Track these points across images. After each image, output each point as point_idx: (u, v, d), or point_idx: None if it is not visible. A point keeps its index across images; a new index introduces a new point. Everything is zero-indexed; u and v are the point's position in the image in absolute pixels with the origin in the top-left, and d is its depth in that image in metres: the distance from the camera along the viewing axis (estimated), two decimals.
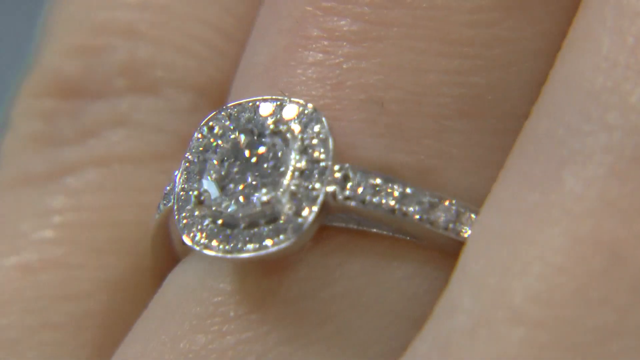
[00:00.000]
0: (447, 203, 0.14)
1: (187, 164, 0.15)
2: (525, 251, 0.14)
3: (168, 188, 0.16)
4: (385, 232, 0.14)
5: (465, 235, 0.14)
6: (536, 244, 0.14)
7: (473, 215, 0.15)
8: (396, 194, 0.14)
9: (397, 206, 0.14)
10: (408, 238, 0.15)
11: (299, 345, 0.14)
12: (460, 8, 0.14)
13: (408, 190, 0.14)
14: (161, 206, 0.16)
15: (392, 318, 0.15)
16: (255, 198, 0.14)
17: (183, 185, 0.15)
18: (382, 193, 0.14)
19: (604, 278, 0.13)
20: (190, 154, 0.15)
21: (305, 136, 0.14)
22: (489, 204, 0.14)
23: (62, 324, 0.17)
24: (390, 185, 0.14)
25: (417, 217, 0.14)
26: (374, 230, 0.15)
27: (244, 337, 0.15)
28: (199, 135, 0.15)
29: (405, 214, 0.14)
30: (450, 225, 0.14)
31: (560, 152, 0.14)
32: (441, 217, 0.14)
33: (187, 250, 0.15)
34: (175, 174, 0.16)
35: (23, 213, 0.17)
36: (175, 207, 0.15)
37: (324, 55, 0.15)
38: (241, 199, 0.14)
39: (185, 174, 0.15)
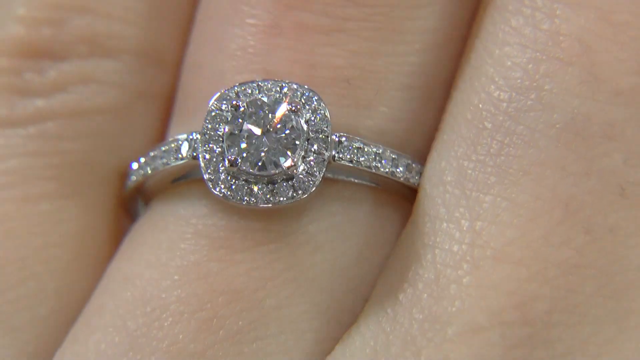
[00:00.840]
0: (403, 159, 0.16)
1: (207, 135, 0.16)
2: (490, 202, 0.16)
3: (140, 161, 0.17)
4: (352, 180, 0.16)
5: (416, 184, 0.17)
6: (499, 196, 0.16)
7: (419, 165, 0.17)
8: (372, 153, 0.16)
9: (372, 163, 0.16)
10: (370, 184, 0.17)
11: (296, 272, 0.16)
12: (400, 5, 0.17)
13: (375, 149, 0.16)
14: (133, 177, 0.17)
15: (364, 245, 0.17)
16: (275, 162, 0.15)
17: (206, 149, 0.16)
18: (363, 153, 0.16)
19: (563, 225, 0.16)
20: (210, 124, 0.16)
21: (306, 111, 0.15)
22: (436, 159, 0.17)
23: (61, 243, 0.18)
24: (368, 147, 0.16)
25: (385, 170, 0.16)
26: (343, 177, 0.16)
27: (252, 265, 0.16)
28: (216, 110, 0.16)
29: (377, 168, 0.16)
30: (407, 175, 0.17)
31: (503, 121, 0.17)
32: (399, 169, 0.16)
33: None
34: (151, 152, 0.17)
35: None
36: (202, 165, 0.16)
37: (296, 42, 0.16)
38: (260, 163, 0.15)
39: (206, 141, 0.16)
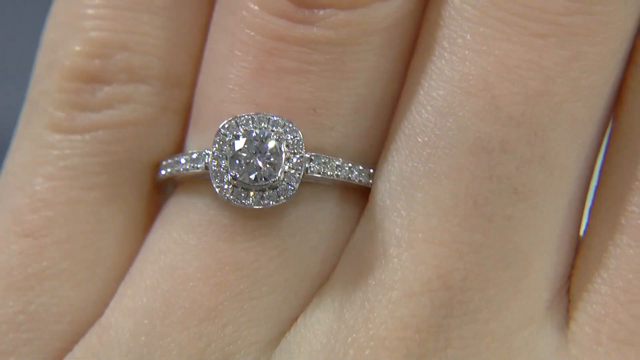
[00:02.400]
0: (357, 167, 0.20)
1: (215, 153, 0.19)
2: (420, 198, 0.19)
3: (168, 161, 0.20)
4: (321, 183, 0.20)
5: (368, 184, 0.20)
6: (427, 194, 0.19)
7: (368, 170, 0.20)
8: (334, 166, 0.19)
9: (335, 172, 0.19)
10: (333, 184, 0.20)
11: (281, 249, 0.19)
12: (347, 51, 0.19)
13: (337, 163, 0.19)
14: (162, 172, 0.20)
15: (331, 228, 0.20)
16: (264, 177, 0.19)
17: (215, 164, 0.19)
18: (328, 166, 0.19)
19: (472, 216, 0.19)
20: (217, 145, 0.19)
21: (288, 138, 0.19)
22: (383, 165, 0.20)
23: (111, 219, 0.20)
24: (330, 160, 0.19)
25: (343, 176, 0.19)
26: (313, 181, 0.20)
27: (250, 244, 0.19)
28: (222, 134, 0.19)
29: (338, 176, 0.19)
30: (360, 178, 0.20)
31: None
32: (354, 174, 0.19)
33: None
34: (176, 157, 0.20)
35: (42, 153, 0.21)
36: (211, 176, 0.19)
37: (276, 81, 0.19)
38: (254, 177, 0.19)
39: (216, 158, 0.19)
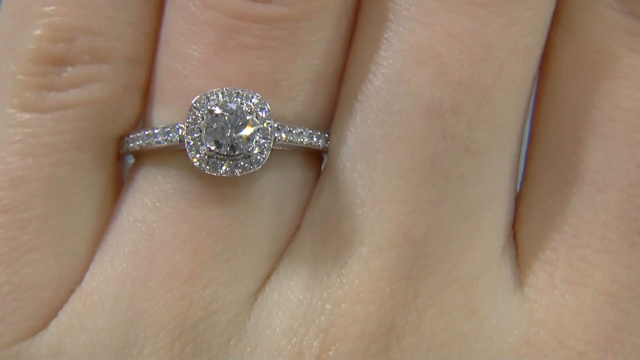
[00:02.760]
0: (317, 132, 0.20)
1: (190, 126, 0.20)
2: (380, 160, 0.20)
3: (135, 135, 0.21)
4: (280, 148, 0.20)
5: (326, 147, 0.21)
6: (386, 156, 0.20)
7: (325, 135, 0.20)
8: (296, 132, 0.20)
9: (298, 139, 0.20)
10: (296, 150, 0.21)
11: (251, 212, 0.20)
12: (302, 26, 0.20)
13: (300, 130, 0.20)
14: (130, 144, 0.21)
15: (295, 189, 0.21)
16: (238, 147, 0.19)
17: (190, 137, 0.19)
18: (292, 133, 0.20)
19: (430, 175, 0.20)
20: (191, 118, 0.20)
21: (258, 110, 0.19)
22: (339, 129, 0.21)
23: (84, 191, 0.21)
24: (294, 128, 0.20)
25: (305, 142, 0.20)
26: (279, 148, 0.20)
27: (223, 210, 0.20)
28: (195, 109, 0.20)
29: (301, 142, 0.20)
30: (320, 143, 0.20)
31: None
32: (314, 140, 0.20)
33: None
34: (146, 131, 0.20)
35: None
36: (187, 147, 0.20)
37: (239, 57, 0.20)
38: (229, 148, 0.19)
39: (190, 131, 0.19)
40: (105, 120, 0.21)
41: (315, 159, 0.21)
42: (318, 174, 0.21)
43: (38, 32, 0.20)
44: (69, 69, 0.20)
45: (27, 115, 0.20)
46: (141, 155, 0.21)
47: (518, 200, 0.21)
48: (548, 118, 0.21)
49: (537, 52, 0.20)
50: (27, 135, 0.20)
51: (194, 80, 0.20)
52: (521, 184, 0.21)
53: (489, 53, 0.19)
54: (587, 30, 0.20)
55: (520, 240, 0.21)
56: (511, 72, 0.20)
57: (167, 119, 0.21)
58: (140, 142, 0.20)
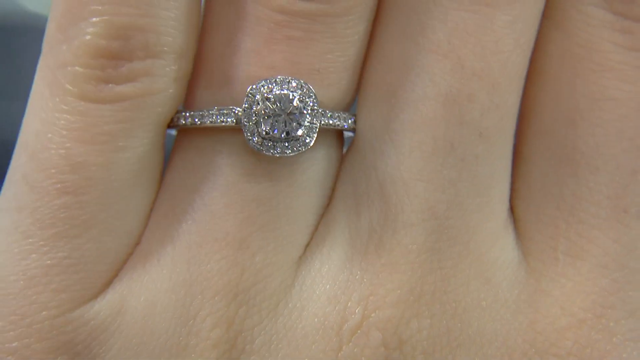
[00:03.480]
0: (349, 117, 0.21)
1: (246, 110, 0.20)
2: (406, 145, 0.21)
3: (190, 114, 0.21)
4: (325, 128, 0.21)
5: (352, 127, 0.21)
6: (410, 139, 0.21)
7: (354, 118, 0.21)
8: (334, 116, 0.21)
9: (335, 122, 0.21)
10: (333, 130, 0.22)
11: (294, 187, 0.21)
12: (339, 20, 0.21)
13: (337, 114, 0.21)
14: (182, 122, 0.21)
15: (329, 168, 0.22)
16: (290, 132, 0.20)
17: (247, 120, 0.20)
18: (332, 118, 0.21)
19: (449, 157, 0.20)
20: (247, 104, 0.20)
21: (306, 99, 0.20)
22: (366, 114, 0.21)
23: (145, 169, 0.22)
24: (333, 113, 0.21)
25: (340, 125, 0.21)
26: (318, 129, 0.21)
27: (269, 184, 0.21)
28: (251, 95, 0.20)
29: (337, 125, 0.21)
30: (352, 126, 0.21)
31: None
32: (349, 122, 0.21)
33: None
34: (200, 112, 0.21)
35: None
36: (245, 129, 0.20)
37: (286, 47, 0.21)
38: (282, 133, 0.20)
39: (247, 115, 0.20)
40: (157, 108, 0.21)
41: (340, 137, 0.22)
42: (342, 150, 0.22)
43: (95, 29, 0.21)
44: (126, 64, 0.21)
45: (86, 105, 0.21)
46: (190, 132, 0.22)
47: (513, 177, 0.22)
48: (538, 103, 0.22)
49: (532, 44, 0.21)
50: (86, 123, 0.21)
51: (244, 67, 0.21)
52: (513, 162, 0.22)
53: (497, 47, 0.20)
54: (574, 26, 0.21)
55: (518, 214, 0.22)
56: (515, 64, 0.21)
57: (215, 101, 0.21)
58: (193, 120, 0.21)
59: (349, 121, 0.22)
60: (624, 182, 0.21)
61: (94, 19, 0.20)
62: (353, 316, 0.20)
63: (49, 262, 0.20)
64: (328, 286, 0.21)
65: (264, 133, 0.21)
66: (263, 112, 0.21)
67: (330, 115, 0.21)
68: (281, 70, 0.21)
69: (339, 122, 0.21)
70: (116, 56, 0.21)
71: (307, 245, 0.21)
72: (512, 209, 0.22)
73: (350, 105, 0.22)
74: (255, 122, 0.21)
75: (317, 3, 0.21)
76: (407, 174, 0.21)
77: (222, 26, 0.21)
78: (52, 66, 0.21)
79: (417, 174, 0.21)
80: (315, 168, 0.22)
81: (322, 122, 0.21)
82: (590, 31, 0.21)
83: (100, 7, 0.21)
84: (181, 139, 0.22)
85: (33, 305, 0.20)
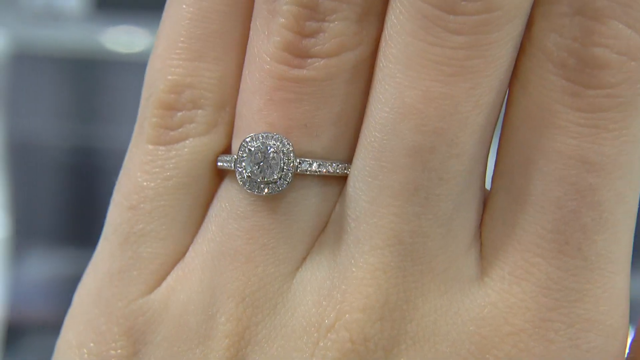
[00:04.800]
0: (333, 163, 0.24)
1: (239, 158, 0.24)
2: (376, 187, 0.24)
3: (221, 158, 0.24)
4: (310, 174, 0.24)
5: (342, 173, 0.24)
6: (383, 183, 0.24)
7: (343, 164, 0.24)
8: (318, 164, 0.24)
9: (317, 169, 0.24)
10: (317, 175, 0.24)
11: (287, 216, 0.24)
12: (330, 78, 0.24)
13: (321, 162, 0.24)
14: (220, 164, 0.24)
15: (319, 204, 0.24)
16: (267, 175, 0.23)
17: (240, 166, 0.24)
18: (316, 165, 0.23)
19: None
20: (240, 153, 0.24)
21: (283, 149, 0.23)
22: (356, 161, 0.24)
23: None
24: (317, 161, 0.24)
25: (325, 170, 0.24)
26: (301, 172, 0.23)
27: (267, 213, 0.24)
28: (244, 147, 0.24)
29: (321, 172, 0.24)
30: (336, 170, 0.24)
31: None
32: (332, 167, 0.24)
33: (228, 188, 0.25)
34: (230, 158, 0.24)
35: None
36: (237, 173, 0.24)
37: (280, 107, 0.23)
38: (261, 175, 0.23)
39: (239, 161, 0.24)
40: (199, 148, 0.25)
41: (337, 181, 0.24)
42: (341, 189, 0.24)
43: (162, 86, 0.24)
44: (178, 114, 0.25)
45: (150, 147, 0.25)
46: (225, 171, 0.25)
47: (485, 207, 0.24)
48: (503, 149, 0.24)
49: (498, 101, 0.23)
50: (149, 160, 0.25)
51: (251, 123, 0.24)
52: (486, 198, 0.24)
53: (456, 109, 0.22)
54: (534, 89, 0.23)
55: (483, 240, 0.24)
56: (474, 122, 0.23)
57: (235, 148, 0.24)
58: (222, 163, 0.25)
59: (332, 167, 0.24)
60: (565, 219, 0.23)
61: (164, 78, 0.25)
62: (328, 318, 0.23)
63: (120, 262, 0.25)
64: (314, 294, 0.24)
65: (247, 176, 0.24)
66: (248, 159, 0.24)
67: (314, 163, 0.24)
68: (277, 126, 0.24)
69: (324, 169, 0.24)
70: (172, 107, 0.25)
71: (305, 259, 0.24)
72: (480, 235, 0.24)
73: (347, 151, 0.24)
74: (244, 167, 0.24)
75: (306, 70, 0.23)
76: (377, 208, 0.23)
77: (244, 89, 0.24)
78: (140, 117, 0.25)
79: (385, 209, 0.23)
80: (308, 202, 0.24)
81: (299, 169, 0.23)
82: (545, 93, 0.23)
83: (169, 69, 0.24)
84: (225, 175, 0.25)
85: (113, 297, 0.24)
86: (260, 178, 0.24)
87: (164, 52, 0.24)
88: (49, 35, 0.68)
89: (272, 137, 0.23)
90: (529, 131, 0.23)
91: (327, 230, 0.24)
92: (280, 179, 0.24)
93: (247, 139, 0.24)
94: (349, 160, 0.24)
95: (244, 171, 0.24)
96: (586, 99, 0.22)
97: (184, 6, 0.24)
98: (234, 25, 0.24)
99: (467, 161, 0.23)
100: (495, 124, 0.24)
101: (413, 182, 0.23)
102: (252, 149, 0.24)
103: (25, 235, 0.67)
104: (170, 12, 0.24)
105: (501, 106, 0.23)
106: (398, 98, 0.23)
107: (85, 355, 0.24)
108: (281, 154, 0.23)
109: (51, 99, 0.66)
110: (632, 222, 0.23)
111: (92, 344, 0.24)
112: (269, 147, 0.24)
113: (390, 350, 0.23)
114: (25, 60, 0.66)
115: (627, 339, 0.23)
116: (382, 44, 0.23)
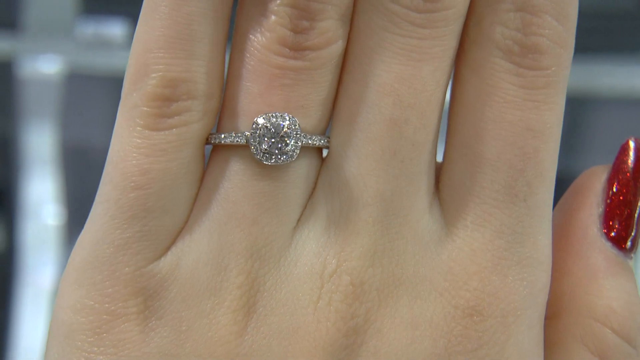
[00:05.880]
0: (324, 138, 0.24)
1: (253, 133, 0.23)
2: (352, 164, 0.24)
3: (217, 135, 0.24)
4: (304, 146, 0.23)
5: (327, 144, 0.24)
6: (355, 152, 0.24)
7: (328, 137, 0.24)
8: (312, 138, 0.24)
9: (313, 142, 0.24)
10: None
11: (287, 181, 0.24)
12: (319, 67, 0.24)
13: (314, 137, 0.24)
14: (213, 141, 0.24)
15: (311, 169, 0.24)
16: (282, 148, 0.23)
17: (255, 140, 0.23)
18: (312, 139, 0.23)
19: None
20: (253, 129, 0.23)
21: (292, 126, 0.23)
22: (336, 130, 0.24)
23: None
24: (312, 136, 0.24)
25: (317, 143, 0.24)
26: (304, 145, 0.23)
27: (270, 181, 0.24)
28: (256, 124, 0.23)
29: (314, 144, 0.24)
30: (325, 144, 0.24)
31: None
32: (323, 141, 0.24)
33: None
34: (242, 135, 0.23)
35: None
36: (252, 147, 0.23)
37: (280, 91, 0.23)
38: (276, 149, 0.23)
39: (253, 137, 0.23)
40: (196, 132, 0.24)
41: (320, 150, 0.25)
42: (322, 158, 0.24)
43: (154, 81, 0.24)
44: (174, 104, 0.24)
45: (149, 132, 0.24)
46: (218, 147, 0.24)
47: (440, 171, 0.24)
48: (459, 123, 0.24)
49: (448, 83, 0.24)
50: (149, 144, 0.24)
51: (252, 105, 0.24)
52: (443, 161, 0.25)
53: (424, 87, 0.23)
54: (485, 72, 0.24)
55: (443, 197, 0.24)
56: (437, 98, 0.24)
57: (234, 127, 0.24)
58: (219, 140, 0.24)
59: (323, 141, 0.24)
60: (515, 177, 0.23)
61: (153, 75, 0.23)
62: (330, 265, 0.23)
63: (127, 235, 0.24)
64: (314, 246, 0.24)
65: (264, 149, 0.23)
66: (264, 135, 0.23)
67: (310, 137, 0.24)
68: (277, 107, 0.24)
69: (316, 142, 0.24)
70: (168, 99, 0.24)
71: (299, 219, 0.24)
72: (438, 194, 0.25)
73: (325, 129, 0.25)
74: (259, 142, 0.23)
75: (301, 61, 0.23)
76: (364, 172, 0.24)
77: (238, 76, 0.24)
78: (127, 107, 0.24)
79: (371, 172, 0.24)
80: (302, 171, 0.24)
81: (303, 142, 0.24)
82: (495, 75, 0.24)
83: (156, 67, 0.23)
84: (213, 152, 0.25)
85: (119, 264, 0.23)
86: (277, 149, 0.23)
87: (150, 50, 0.23)
88: (98, 58, 0.69)
89: (281, 116, 0.23)
90: (483, 106, 0.24)
91: (316, 194, 0.24)
92: (292, 150, 0.23)
93: (260, 118, 0.24)
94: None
95: (259, 144, 0.23)
96: (529, 78, 0.23)
97: (169, 9, 0.23)
98: (216, 28, 0.23)
99: (431, 130, 0.24)
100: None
101: (392, 148, 0.23)
102: (269, 125, 0.23)
103: (75, 223, 0.67)
104: (152, 13, 0.23)
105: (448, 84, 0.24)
106: (376, 80, 0.23)
107: (93, 315, 0.23)
108: (292, 129, 0.23)
109: (98, 111, 0.67)
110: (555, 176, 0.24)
111: (97, 305, 0.23)
112: (282, 124, 0.23)
113: (381, 290, 0.23)
114: (78, 79, 0.67)
115: (550, 271, 0.24)
116: (357, 37, 0.23)
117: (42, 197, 0.74)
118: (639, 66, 0.62)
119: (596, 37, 0.62)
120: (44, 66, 0.72)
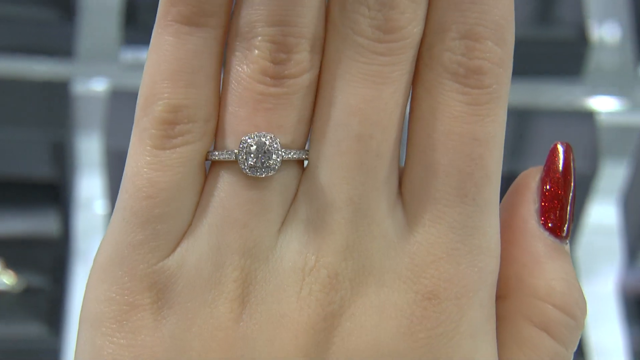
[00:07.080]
0: (304, 152, 0.23)
1: (240, 151, 0.23)
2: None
3: (214, 153, 0.23)
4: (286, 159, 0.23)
5: (306, 157, 0.23)
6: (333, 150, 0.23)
7: (306, 151, 0.23)
8: (290, 152, 0.23)
9: (292, 155, 0.23)
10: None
11: (271, 191, 0.23)
12: (294, 93, 0.23)
13: (294, 151, 0.23)
14: (211, 157, 0.23)
15: (293, 179, 0.23)
16: (264, 162, 0.22)
17: (242, 157, 0.23)
18: (290, 153, 0.23)
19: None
20: (241, 147, 0.23)
21: (274, 144, 0.23)
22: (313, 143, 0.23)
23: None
24: (291, 150, 0.23)
25: (296, 157, 0.23)
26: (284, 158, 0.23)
27: (257, 190, 0.23)
28: (243, 143, 0.23)
29: (293, 157, 0.23)
30: (304, 157, 0.23)
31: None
32: (302, 155, 0.23)
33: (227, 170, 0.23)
34: (231, 152, 0.23)
35: None
36: (240, 161, 0.23)
37: (263, 114, 0.23)
38: (260, 163, 0.22)
39: (241, 153, 0.23)
40: (196, 150, 0.23)
41: (301, 162, 0.24)
42: (302, 168, 0.23)
43: (161, 108, 0.23)
44: (177, 127, 0.23)
45: (156, 152, 0.23)
46: (214, 163, 0.24)
47: (402, 176, 0.24)
48: (416, 135, 0.23)
49: (407, 101, 0.23)
50: (157, 160, 0.23)
51: (240, 127, 0.23)
52: (404, 167, 0.24)
53: (386, 107, 0.22)
54: (436, 91, 0.23)
55: (404, 197, 0.24)
56: (396, 115, 0.23)
57: (225, 146, 0.23)
58: (214, 157, 0.23)
59: (301, 154, 0.23)
60: (464, 179, 0.23)
61: (159, 102, 0.23)
62: (310, 261, 0.23)
63: (141, 237, 0.23)
64: (296, 245, 0.23)
65: (250, 164, 0.23)
66: (249, 152, 0.23)
67: (289, 152, 0.23)
68: (261, 127, 0.23)
69: (295, 155, 0.23)
70: (172, 122, 0.23)
71: (283, 222, 0.23)
72: (401, 196, 0.24)
73: (304, 144, 0.24)
74: (245, 158, 0.23)
75: (280, 87, 0.23)
76: (337, 180, 0.23)
77: (229, 102, 0.23)
78: (139, 130, 0.23)
79: (342, 180, 0.23)
80: (284, 180, 0.23)
81: (283, 156, 0.23)
82: (445, 94, 0.23)
83: (162, 95, 0.23)
84: (211, 167, 0.24)
85: (135, 262, 0.23)
86: (260, 164, 0.23)
87: (157, 82, 0.23)
88: (137, 79, 0.70)
89: (264, 135, 0.23)
90: (435, 121, 0.23)
91: (297, 200, 0.23)
92: (274, 163, 0.23)
93: (246, 138, 0.23)
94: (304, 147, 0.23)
95: (246, 160, 0.23)
96: (473, 95, 0.22)
97: (172, 47, 0.23)
98: (211, 61, 0.23)
99: (393, 142, 0.23)
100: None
101: (359, 160, 0.23)
102: (253, 143, 0.23)
103: None
104: (157, 50, 0.23)
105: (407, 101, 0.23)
106: (345, 102, 0.22)
107: (115, 305, 0.22)
108: (273, 146, 0.23)
109: None
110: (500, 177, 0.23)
111: (118, 297, 0.22)
112: (265, 142, 0.23)
113: (353, 280, 0.22)
114: (120, 97, 0.69)
115: (499, 257, 0.23)
116: (328, 65, 0.23)
117: (91, 192, 0.76)
118: (574, 85, 0.62)
119: (541, 61, 0.62)
120: (93, 86, 0.74)
